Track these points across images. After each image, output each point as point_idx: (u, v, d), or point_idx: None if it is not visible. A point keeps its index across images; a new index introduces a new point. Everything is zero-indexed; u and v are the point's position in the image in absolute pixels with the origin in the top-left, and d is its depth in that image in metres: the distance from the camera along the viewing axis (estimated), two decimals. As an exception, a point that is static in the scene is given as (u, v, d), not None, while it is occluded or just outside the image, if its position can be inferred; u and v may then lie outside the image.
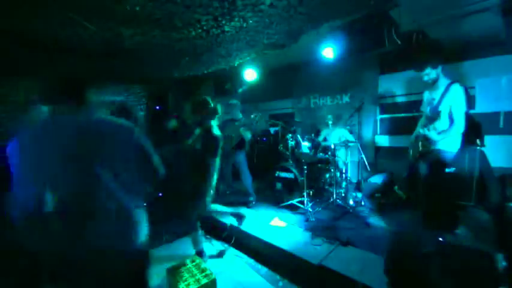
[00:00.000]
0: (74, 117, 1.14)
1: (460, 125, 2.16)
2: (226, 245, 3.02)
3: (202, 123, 2.43)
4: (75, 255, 1.06)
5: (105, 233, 1.08)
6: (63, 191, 1.05)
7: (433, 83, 2.32)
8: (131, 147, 1.19)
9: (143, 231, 1.20)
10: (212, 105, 2.43)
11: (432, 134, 2.21)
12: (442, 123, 2.23)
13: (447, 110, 2.21)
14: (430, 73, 2.27)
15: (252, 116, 3.63)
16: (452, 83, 2.22)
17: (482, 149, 2.80)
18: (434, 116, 2.27)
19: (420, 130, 2.34)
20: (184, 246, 3.00)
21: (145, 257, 1.23)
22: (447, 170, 2.53)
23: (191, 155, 2.47)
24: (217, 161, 2.37)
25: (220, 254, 2.83)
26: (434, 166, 2.28)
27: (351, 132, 4.02)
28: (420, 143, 2.36)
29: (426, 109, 2.41)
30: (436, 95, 2.28)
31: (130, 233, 1.14)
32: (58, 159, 1.06)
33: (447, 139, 2.21)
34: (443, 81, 2.26)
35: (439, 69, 2.25)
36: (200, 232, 2.60)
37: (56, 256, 1.07)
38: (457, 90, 2.17)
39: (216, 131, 2.41)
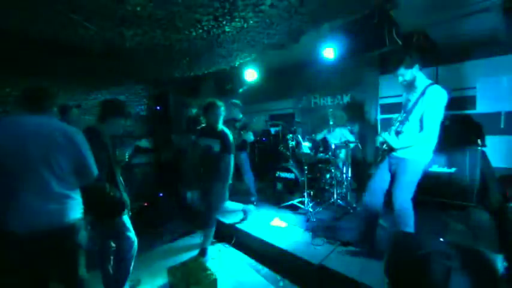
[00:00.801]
0: (30, 120, 1.40)
1: (429, 134, 1.92)
2: (227, 245, 3.02)
3: (214, 125, 2.60)
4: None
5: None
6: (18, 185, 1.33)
7: (409, 85, 2.08)
8: (72, 149, 1.44)
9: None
10: (221, 106, 2.61)
11: (391, 140, 2.03)
12: (409, 127, 2.04)
13: (419, 115, 1.98)
14: (404, 74, 2.02)
15: (254, 119, 3.70)
16: (431, 84, 1.98)
17: (483, 149, 2.79)
18: (404, 118, 2.08)
19: (381, 133, 2.15)
20: (186, 246, 3.01)
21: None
22: (446, 170, 2.53)
23: (207, 157, 2.60)
24: (232, 157, 2.56)
25: (221, 254, 2.84)
26: (403, 175, 2.05)
27: (351, 132, 4.02)
28: (383, 147, 2.20)
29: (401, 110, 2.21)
30: (413, 96, 2.06)
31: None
32: (11, 157, 1.32)
33: (416, 147, 1.99)
34: (422, 82, 2.03)
35: (415, 69, 2.01)
36: (213, 229, 2.69)
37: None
38: (435, 94, 1.92)
39: (226, 129, 2.62)
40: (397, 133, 2.10)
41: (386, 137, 2.10)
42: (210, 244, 2.75)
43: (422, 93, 1.98)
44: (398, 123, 2.14)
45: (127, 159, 2.09)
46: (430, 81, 2.03)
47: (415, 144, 1.99)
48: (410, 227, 2.04)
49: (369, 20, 2.51)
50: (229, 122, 3.75)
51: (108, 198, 1.78)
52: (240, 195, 4.01)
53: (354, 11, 2.52)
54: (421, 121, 1.99)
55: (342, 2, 2.28)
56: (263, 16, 2.28)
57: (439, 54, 3.23)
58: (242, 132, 3.49)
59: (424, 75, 2.07)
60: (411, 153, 2.02)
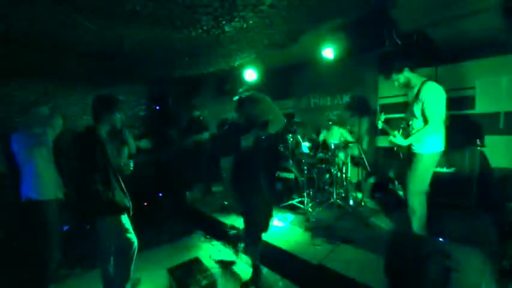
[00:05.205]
0: None
1: (433, 125, 2.09)
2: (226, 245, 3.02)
3: None
4: None
5: None
6: None
7: (406, 86, 2.30)
8: None
9: None
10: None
11: (399, 141, 2.24)
12: (417, 123, 2.22)
13: (420, 110, 2.17)
14: (397, 78, 2.27)
15: None
16: (425, 81, 2.18)
17: (482, 149, 2.79)
18: (410, 116, 2.26)
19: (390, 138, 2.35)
20: (185, 246, 3.00)
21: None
22: (445, 170, 2.55)
23: None
24: None
25: (221, 254, 2.84)
26: (414, 169, 2.23)
27: (351, 132, 4.02)
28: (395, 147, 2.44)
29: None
30: (411, 95, 2.27)
31: None
32: None
33: (423, 140, 2.16)
34: (417, 81, 2.23)
35: (406, 72, 2.22)
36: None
37: None
38: (429, 89, 2.12)
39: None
40: (405, 129, 2.30)
41: (392, 139, 2.31)
42: (210, 244, 2.70)
43: (419, 91, 2.17)
44: (405, 122, 2.34)
45: (132, 169, 2.03)
46: (424, 79, 2.21)
47: (425, 136, 2.15)
48: (423, 221, 2.20)
49: (369, 20, 2.51)
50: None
51: (102, 200, 1.77)
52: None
53: (353, 10, 2.52)
54: (423, 116, 2.16)
55: (342, 2, 2.28)
56: (263, 16, 2.28)
57: (439, 54, 3.23)
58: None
59: (417, 75, 2.25)
60: (422, 147, 2.18)
